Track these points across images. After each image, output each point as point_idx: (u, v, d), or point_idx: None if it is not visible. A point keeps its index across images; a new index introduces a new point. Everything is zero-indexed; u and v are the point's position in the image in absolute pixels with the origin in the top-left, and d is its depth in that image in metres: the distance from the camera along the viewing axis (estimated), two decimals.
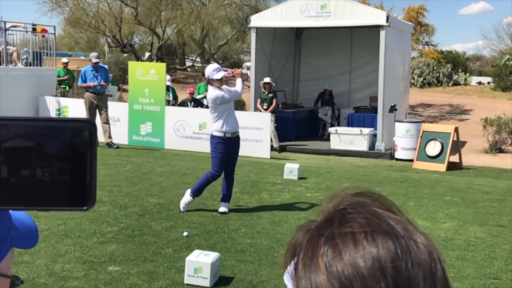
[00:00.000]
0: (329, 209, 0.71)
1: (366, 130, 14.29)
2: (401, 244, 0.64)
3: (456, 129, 12.58)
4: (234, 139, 7.32)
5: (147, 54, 23.97)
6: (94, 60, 13.26)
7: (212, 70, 7.27)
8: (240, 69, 7.32)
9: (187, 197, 7.32)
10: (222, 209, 7.34)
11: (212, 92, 7.19)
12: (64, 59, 18.98)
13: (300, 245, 0.69)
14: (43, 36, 16.67)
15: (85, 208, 0.66)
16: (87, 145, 0.66)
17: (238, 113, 14.22)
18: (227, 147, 7.19)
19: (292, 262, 0.70)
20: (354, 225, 0.65)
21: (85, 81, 13.31)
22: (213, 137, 7.24)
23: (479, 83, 32.86)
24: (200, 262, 4.91)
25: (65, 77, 17.67)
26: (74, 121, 0.66)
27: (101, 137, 13.40)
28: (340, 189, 0.75)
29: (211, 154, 7.28)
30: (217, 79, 7.16)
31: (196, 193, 7.33)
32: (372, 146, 14.35)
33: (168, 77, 14.89)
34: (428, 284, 0.64)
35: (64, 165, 0.65)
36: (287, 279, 0.71)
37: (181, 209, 7.31)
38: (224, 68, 7.31)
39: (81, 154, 0.65)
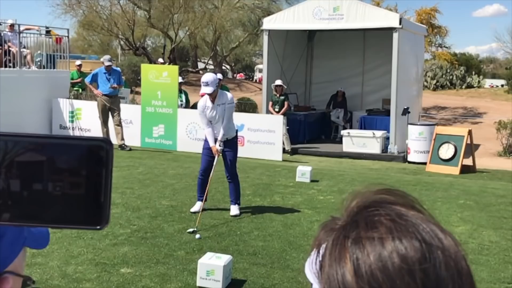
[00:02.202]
0: (353, 208, 0.71)
1: (379, 133, 14.23)
2: (429, 246, 0.65)
3: (469, 132, 12.49)
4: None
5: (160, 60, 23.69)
6: (107, 63, 13.32)
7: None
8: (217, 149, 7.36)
9: (238, 210, 7.44)
10: (233, 212, 7.35)
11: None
12: (78, 62, 19.10)
13: (324, 244, 0.70)
14: (59, 40, 16.76)
15: (98, 227, 0.66)
16: (103, 164, 0.65)
17: (250, 116, 14.36)
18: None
19: (314, 258, 0.70)
20: (381, 229, 0.66)
21: (96, 81, 13.38)
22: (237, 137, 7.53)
23: (492, 86, 32.58)
24: (213, 264, 4.90)
25: (79, 80, 17.77)
26: (91, 140, 0.66)
27: (113, 139, 13.44)
28: (363, 186, 0.75)
29: (236, 155, 7.50)
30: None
31: (239, 200, 7.51)
32: (385, 149, 14.29)
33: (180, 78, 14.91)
34: (456, 286, 0.64)
35: (78, 183, 0.65)
36: (311, 276, 0.71)
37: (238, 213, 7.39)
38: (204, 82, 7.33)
39: (96, 173, 0.65)
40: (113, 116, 13.40)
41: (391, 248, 0.64)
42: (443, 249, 0.65)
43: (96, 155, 0.65)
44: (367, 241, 0.65)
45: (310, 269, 0.70)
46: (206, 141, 7.40)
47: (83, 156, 0.65)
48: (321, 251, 0.69)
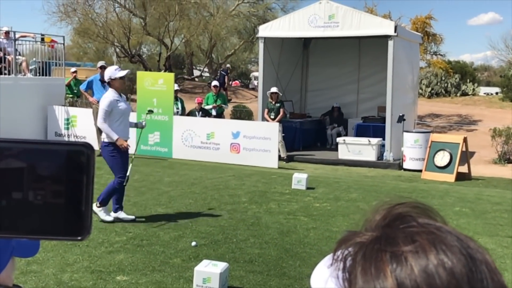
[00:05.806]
0: (379, 221, 0.68)
1: (374, 140, 14.25)
2: (473, 260, 0.62)
3: (465, 140, 12.52)
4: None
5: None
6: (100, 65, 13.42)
7: (114, 70, 7.18)
8: None
9: (97, 211, 7.07)
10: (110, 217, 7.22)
11: (109, 96, 7.04)
12: (73, 69, 19.06)
13: (350, 258, 0.65)
14: (52, 46, 16.75)
15: (79, 238, 0.63)
16: (84, 170, 0.62)
17: (245, 123, 14.37)
18: (121, 152, 7.09)
19: (339, 274, 0.65)
20: (422, 242, 0.63)
21: (91, 89, 13.39)
22: (108, 144, 7.05)
23: (487, 93, 32.65)
24: (209, 272, 4.89)
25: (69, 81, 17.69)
26: (71, 145, 0.63)
27: None
28: (384, 199, 0.72)
29: (110, 163, 7.12)
30: (120, 77, 7.07)
31: (105, 203, 7.14)
32: (380, 156, 14.30)
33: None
34: None
35: (58, 192, 0.62)
36: (330, 284, 0.65)
37: (106, 219, 7.14)
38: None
39: (76, 180, 0.62)
40: None
41: (436, 262, 0.61)
42: (486, 263, 0.63)
43: (76, 161, 0.62)
44: (409, 255, 0.61)
45: (332, 281, 0.65)
46: (111, 144, 7.04)
47: (62, 162, 0.62)
48: (348, 266, 0.64)
